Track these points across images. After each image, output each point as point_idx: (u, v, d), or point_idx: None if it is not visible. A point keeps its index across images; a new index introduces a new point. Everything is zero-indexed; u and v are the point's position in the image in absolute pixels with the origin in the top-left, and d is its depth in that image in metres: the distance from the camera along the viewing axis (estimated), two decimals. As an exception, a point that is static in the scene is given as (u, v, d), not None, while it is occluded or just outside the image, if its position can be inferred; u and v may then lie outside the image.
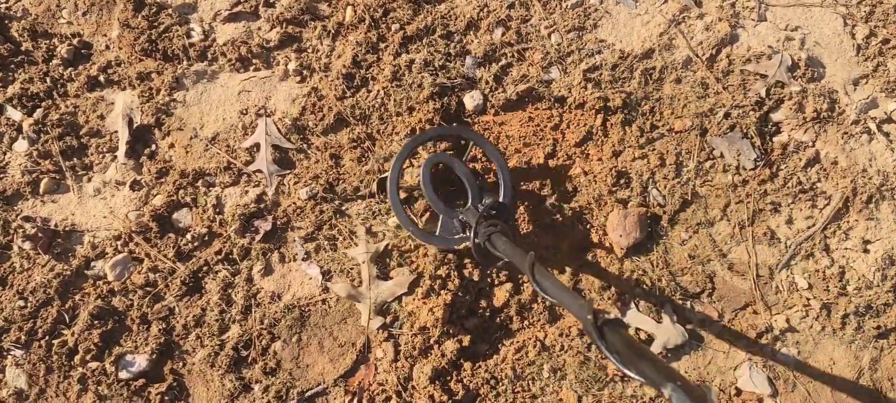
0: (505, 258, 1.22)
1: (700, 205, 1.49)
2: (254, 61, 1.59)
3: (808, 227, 1.47)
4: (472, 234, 1.28)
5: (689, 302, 1.46)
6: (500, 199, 1.42)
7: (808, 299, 1.43)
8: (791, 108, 1.50)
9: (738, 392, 1.41)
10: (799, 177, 1.49)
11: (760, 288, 1.46)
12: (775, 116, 1.52)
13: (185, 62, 1.60)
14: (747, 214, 1.48)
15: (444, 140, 1.48)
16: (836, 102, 1.53)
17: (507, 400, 1.41)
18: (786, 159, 1.50)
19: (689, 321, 1.45)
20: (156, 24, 1.63)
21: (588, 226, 1.50)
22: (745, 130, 1.50)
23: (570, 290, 1.05)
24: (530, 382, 1.42)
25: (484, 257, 1.33)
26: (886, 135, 1.51)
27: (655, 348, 1.42)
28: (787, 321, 1.43)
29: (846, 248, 1.47)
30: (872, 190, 1.47)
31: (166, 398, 1.40)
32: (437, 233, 1.41)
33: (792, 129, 1.51)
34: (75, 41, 1.64)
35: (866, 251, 1.46)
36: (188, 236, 1.47)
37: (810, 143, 1.50)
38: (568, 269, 1.46)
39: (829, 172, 1.49)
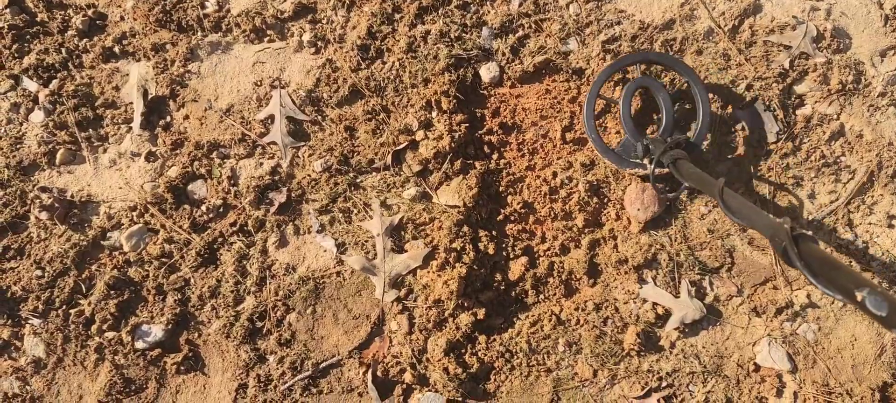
0: (690, 183, 1.25)
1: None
2: (268, 32, 1.58)
3: (832, 202, 1.44)
4: (653, 160, 1.32)
5: (707, 277, 1.44)
6: (692, 138, 1.41)
7: (831, 274, 1.40)
8: (815, 80, 1.46)
9: (757, 367, 1.39)
10: (822, 151, 1.45)
11: (781, 263, 1.43)
12: (799, 88, 1.48)
13: (199, 33, 1.59)
14: (769, 188, 1.45)
15: (649, 63, 1.46)
16: (863, 74, 1.49)
17: (522, 374, 1.41)
18: (809, 132, 1.46)
19: (706, 296, 1.43)
20: (170, -6, 1.62)
21: (605, 200, 1.48)
22: (767, 102, 1.46)
23: (762, 211, 1.08)
24: (545, 356, 1.41)
25: (661, 183, 1.43)
26: (914, 107, 1.47)
27: (672, 323, 1.40)
28: (808, 296, 1.41)
29: (870, 223, 1.44)
30: (898, 164, 1.44)
31: (182, 367, 1.41)
32: (615, 151, 1.43)
33: (816, 102, 1.47)
34: (90, 12, 1.64)
35: (891, 226, 1.43)
36: (203, 208, 1.46)
37: (835, 116, 1.47)
38: (583, 242, 1.45)
39: (853, 146, 1.46)
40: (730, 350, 1.41)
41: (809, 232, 1.27)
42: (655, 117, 1.49)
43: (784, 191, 1.46)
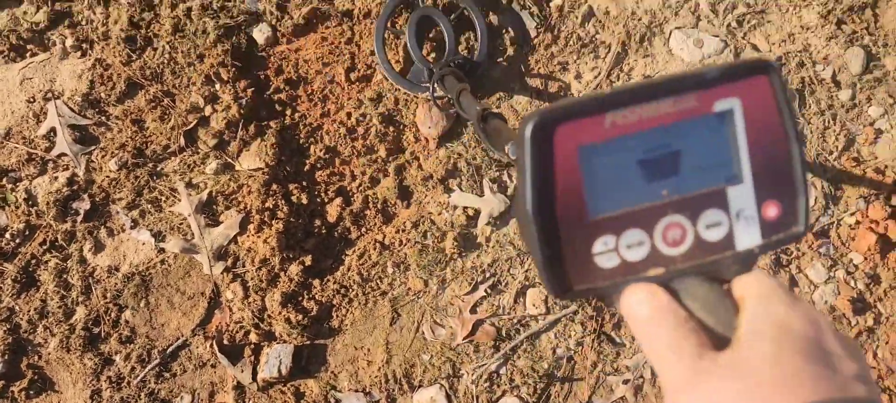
0: (448, 94, 1.38)
1: (497, 82, 1.60)
2: (28, 47, 1.55)
3: (596, 77, 1.61)
4: (432, 82, 1.43)
5: (504, 171, 1.58)
6: (474, 58, 1.53)
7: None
8: (556, -28, 1.61)
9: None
10: (578, 34, 1.61)
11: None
12: (545, -18, 1.62)
13: (-46, 65, 1.55)
14: (540, 80, 1.60)
15: None
16: (597, -44, 1.65)
17: (360, 303, 1.53)
18: (563, 20, 1.61)
19: (508, 188, 1.58)
20: None
21: (401, 127, 1.59)
22: (522, 3, 1.60)
23: (473, 101, 1.25)
24: (378, 281, 1.53)
25: (439, 101, 1.52)
26: (646, -24, 1.64)
27: (483, 220, 1.55)
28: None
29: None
30: (642, 29, 1.61)
31: (31, 392, 1.44)
32: (408, 79, 1.54)
33: (563, -9, 1.62)
34: None
35: (650, 86, 1.62)
36: (7, 235, 1.47)
37: (583, 1, 1.62)
38: (390, 170, 1.56)
39: (603, 23, 1.62)
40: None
41: (496, 110, 1.43)
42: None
43: (552, 78, 1.61)
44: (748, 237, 0.44)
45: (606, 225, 0.43)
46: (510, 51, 1.59)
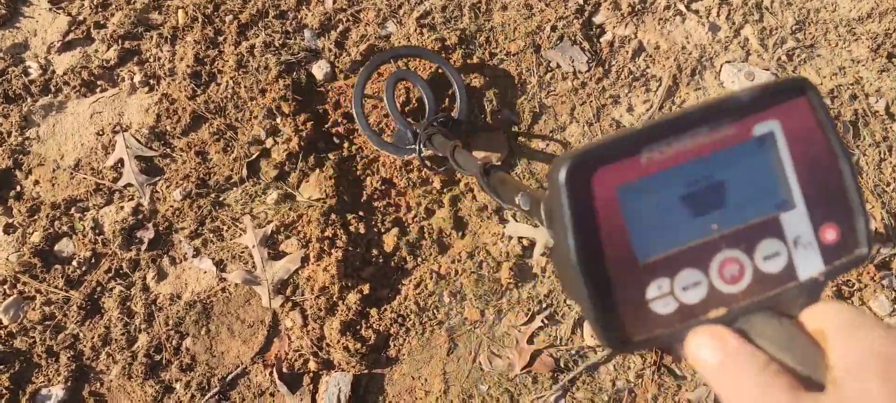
0: (440, 151, 1.38)
1: (549, 115, 1.62)
2: (98, 83, 1.61)
3: (647, 110, 1.63)
4: (418, 143, 1.44)
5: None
6: (454, 115, 1.53)
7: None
8: (608, 8, 1.64)
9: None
10: (629, 68, 1.64)
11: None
12: (597, 19, 1.65)
13: (29, 100, 1.60)
14: (592, 112, 1.63)
15: (401, 58, 1.58)
16: (647, -8, 1.68)
17: (417, 332, 1.53)
18: (614, 55, 1.64)
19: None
20: (-11, 70, 1.62)
21: (455, 158, 1.61)
22: (573, 38, 1.63)
23: (470, 158, 1.24)
24: (435, 311, 1.54)
25: (427, 160, 1.53)
26: (695, 12, 1.67)
27: (538, 250, 1.56)
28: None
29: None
30: (694, 63, 1.64)
31: (92, 420, 1.45)
32: (392, 143, 1.53)
33: (614, 27, 1.65)
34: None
35: (700, 118, 1.64)
36: (74, 263, 1.50)
37: (633, 36, 1.65)
38: (445, 201, 1.58)
39: (654, 57, 1.65)
40: (593, 260, 1.58)
41: (498, 164, 1.44)
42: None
43: (605, 111, 1.64)
44: (810, 265, 0.41)
45: (658, 268, 0.40)
46: (560, 85, 1.62)
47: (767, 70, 1.63)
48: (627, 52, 1.64)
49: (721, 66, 1.65)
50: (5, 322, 1.47)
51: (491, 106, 1.60)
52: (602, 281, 0.39)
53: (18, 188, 1.56)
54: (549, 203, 0.42)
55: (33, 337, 1.46)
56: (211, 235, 1.53)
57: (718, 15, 1.67)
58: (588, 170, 0.39)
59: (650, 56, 1.65)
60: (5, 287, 1.48)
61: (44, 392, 1.44)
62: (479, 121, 1.60)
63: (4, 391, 1.42)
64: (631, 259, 0.40)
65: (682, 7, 1.66)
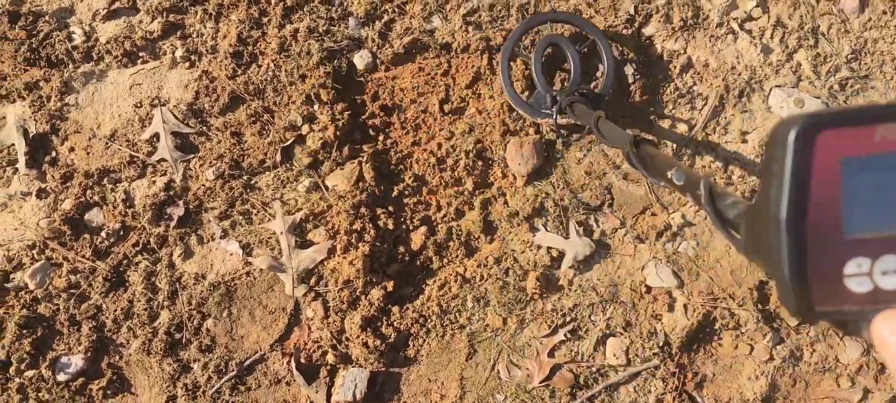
0: (580, 121, 1.38)
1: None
2: (140, 54, 1.60)
3: (690, 129, 1.59)
4: (557, 107, 1.44)
5: (592, 215, 1.57)
6: (598, 90, 1.52)
7: (697, 193, 1.55)
8: (659, 21, 1.60)
9: (649, 289, 1.54)
10: (676, 84, 1.59)
11: (655, 191, 1.58)
12: (646, 31, 1.61)
13: (71, 66, 1.60)
14: (633, 125, 1.59)
15: (559, 22, 1.58)
16: (700, 9, 1.63)
17: (437, 335, 1.51)
18: (662, 69, 1.60)
19: (594, 232, 1.56)
20: (35, 32, 1.61)
21: (489, 162, 1.59)
22: (621, 50, 1.59)
23: (617, 127, 1.22)
24: (457, 314, 1.52)
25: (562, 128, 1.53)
26: (748, 32, 1.62)
27: (567, 262, 1.53)
28: (683, 217, 1.56)
29: (726, 141, 1.59)
30: (742, 84, 1.59)
31: (108, 392, 1.45)
32: (529, 103, 1.53)
33: (664, 40, 1.61)
34: (-44, 60, 1.62)
35: (744, 141, 1.59)
36: (103, 234, 1.49)
37: (682, 51, 1.61)
38: (476, 204, 1.55)
39: (702, 74, 1.60)
40: (622, 277, 1.55)
41: (649, 137, 1.42)
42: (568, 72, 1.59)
43: (646, 124, 1.59)
44: None
45: (863, 247, 0.39)
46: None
47: (818, 98, 1.58)
48: (675, 66, 1.60)
49: (770, 89, 1.60)
50: (31, 286, 1.47)
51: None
52: (802, 245, 0.40)
53: (54, 154, 1.56)
54: (769, 156, 0.43)
55: (57, 305, 1.46)
56: (240, 217, 1.52)
57: (772, 37, 1.62)
58: (815, 132, 0.39)
59: (698, 73, 1.61)
60: (34, 252, 1.49)
61: (64, 360, 1.44)
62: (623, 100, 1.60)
63: (26, 356, 1.42)
64: (837, 231, 0.40)
65: (735, 26, 1.61)
